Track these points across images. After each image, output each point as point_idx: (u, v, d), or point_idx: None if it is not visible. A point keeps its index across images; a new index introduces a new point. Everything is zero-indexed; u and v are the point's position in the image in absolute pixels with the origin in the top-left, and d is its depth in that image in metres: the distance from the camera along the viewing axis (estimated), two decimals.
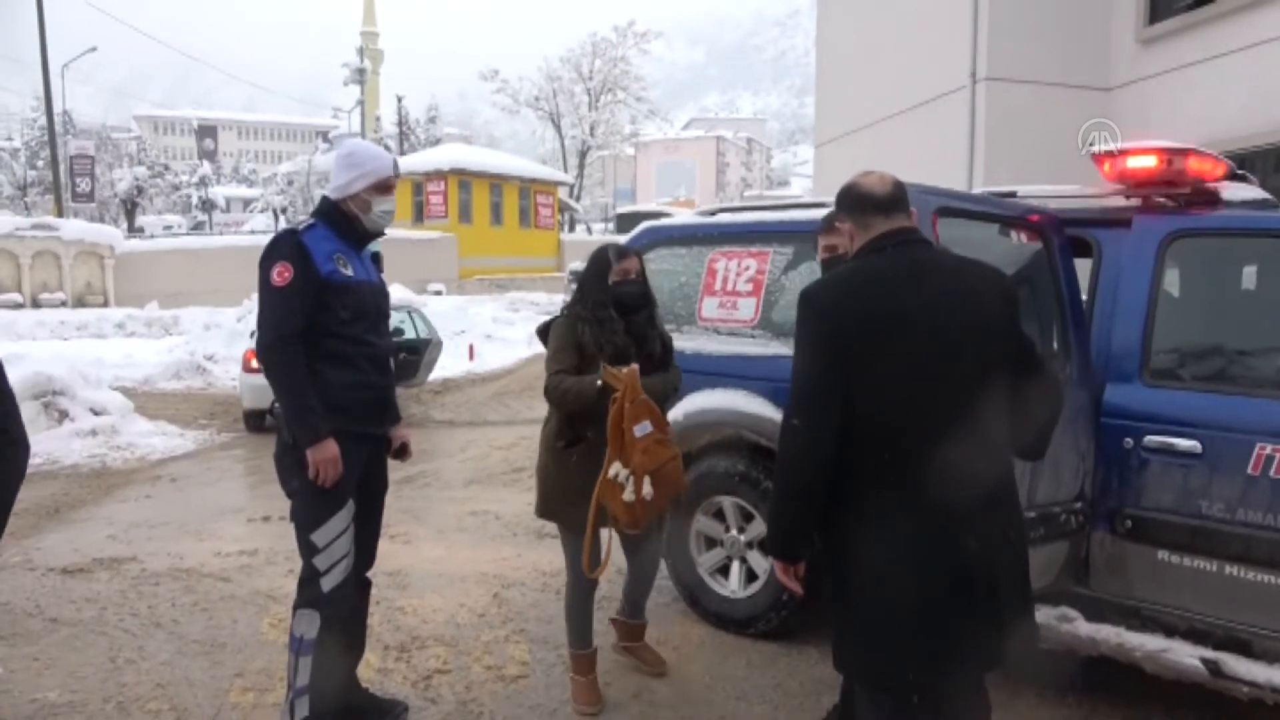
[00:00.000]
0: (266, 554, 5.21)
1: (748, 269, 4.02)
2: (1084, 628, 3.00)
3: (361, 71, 41.95)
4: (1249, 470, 2.72)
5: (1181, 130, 9.64)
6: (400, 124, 51.69)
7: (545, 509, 3.25)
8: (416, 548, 5.40)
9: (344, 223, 3.03)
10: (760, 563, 3.90)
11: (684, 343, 4.03)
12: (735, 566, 3.99)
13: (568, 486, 3.12)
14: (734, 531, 3.97)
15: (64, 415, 8.75)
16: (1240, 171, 3.38)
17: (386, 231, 3.19)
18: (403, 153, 45.47)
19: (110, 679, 3.58)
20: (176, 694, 3.44)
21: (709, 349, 4.01)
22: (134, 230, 42.39)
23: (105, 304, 22.36)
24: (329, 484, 2.83)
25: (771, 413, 3.65)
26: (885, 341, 1.98)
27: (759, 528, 3.86)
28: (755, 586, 3.91)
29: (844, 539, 2.06)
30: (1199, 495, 2.82)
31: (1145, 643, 2.93)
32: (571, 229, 42.60)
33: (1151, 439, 2.90)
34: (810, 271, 4.01)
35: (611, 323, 3.09)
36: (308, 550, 2.92)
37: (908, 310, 2.00)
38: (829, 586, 2.12)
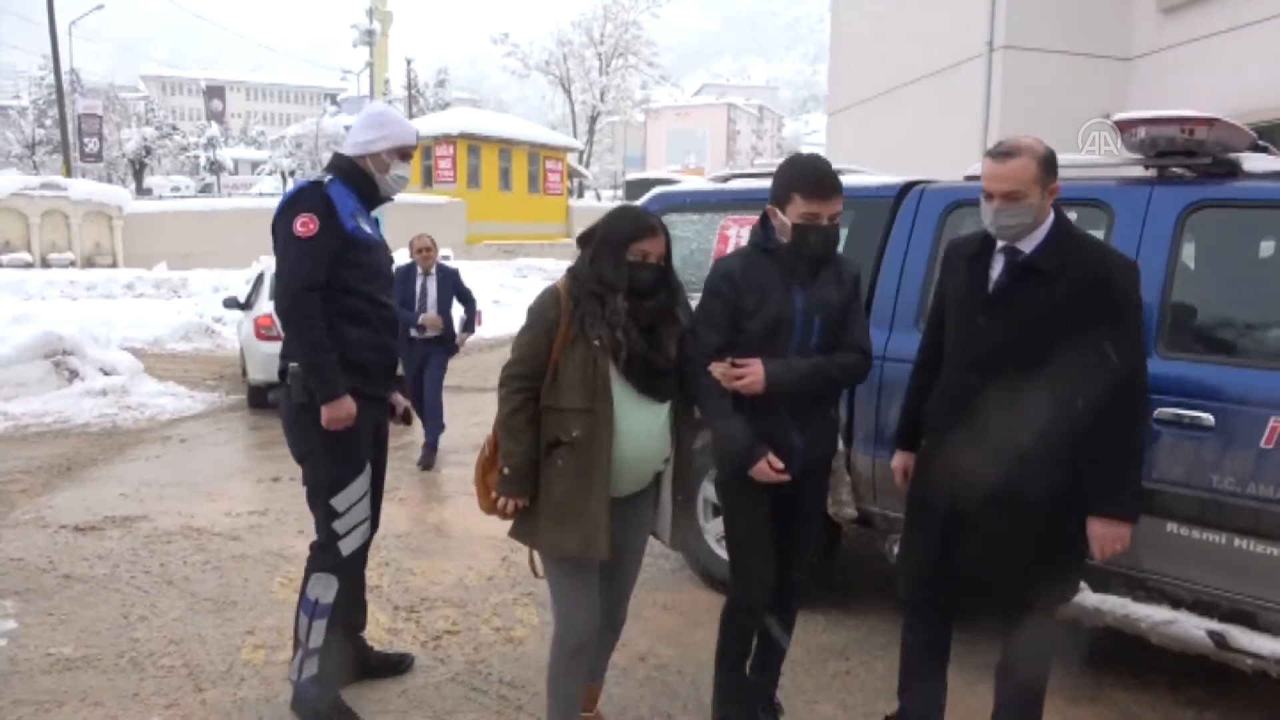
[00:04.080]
0: (276, 514, 5.24)
1: None
2: (1090, 598, 2.99)
3: (370, 33, 41.55)
4: (1262, 444, 2.70)
5: (1201, 101, 9.48)
6: (409, 87, 51.26)
7: (518, 528, 2.62)
8: (425, 511, 5.43)
9: (361, 181, 3.01)
10: None
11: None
12: None
13: (549, 501, 2.50)
14: None
15: (74, 375, 8.80)
16: (1262, 143, 3.30)
17: (394, 196, 3.20)
18: (411, 116, 45.13)
19: (123, 635, 3.63)
20: (188, 650, 3.49)
21: None
22: (142, 191, 42.32)
23: (114, 265, 22.38)
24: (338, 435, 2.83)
25: None
26: None
27: None
28: None
29: None
30: (1210, 468, 2.79)
31: (1151, 614, 2.93)
32: (580, 195, 42.37)
33: (1164, 411, 2.86)
34: None
35: (614, 307, 2.46)
36: (327, 514, 2.91)
37: None
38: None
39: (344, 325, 2.87)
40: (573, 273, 2.57)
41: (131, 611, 3.86)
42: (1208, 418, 2.79)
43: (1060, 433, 2.32)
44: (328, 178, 2.94)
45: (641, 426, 2.51)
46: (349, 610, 3.21)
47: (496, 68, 50.31)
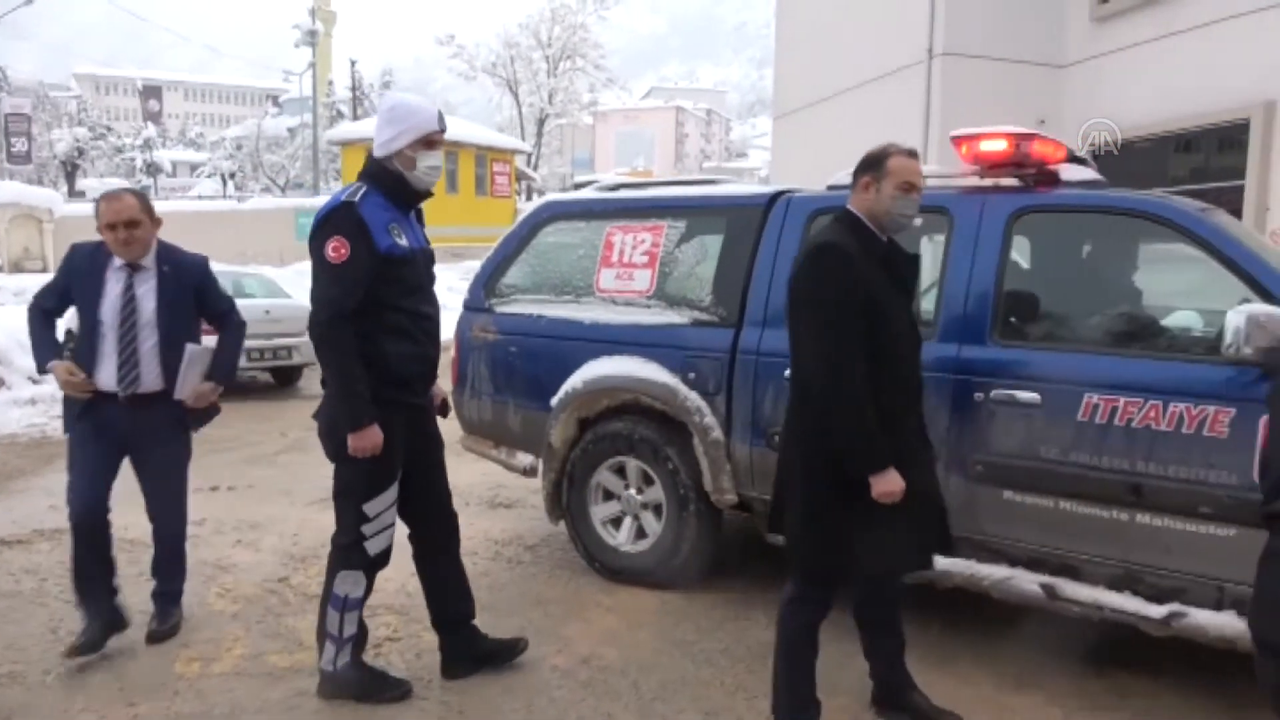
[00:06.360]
0: (214, 524, 5.13)
1: (643, 242, 4.20)
2: (940, 562, 3.17)
3: (313, 33, 40.81)
4: (1079, 417, 3.03)
5: (1132, 109, 9.82)
6: (354, 89, 50.56)
7: None
8: None
9: (395, 184, 2.98)
10: (652, 524, 4.13)
11: (582, 313, 4.25)
12: (628, 521, 4.21)
13: None
14: (632, 490, 4.15)
15: (1, 384, 8.52)
16: (1080, 155, 3.69)
17: (431, 189, 3.17)
18: (356, 118, 44.60)
19: (50, 650, 3.51)
20: (120, 665, 3.39)
21: (606, 319, 4.18)
22: (75, 194, 41.07)
23: (44, 270, 21.64)
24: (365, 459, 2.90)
25: (666, 378, 3.87)
26: None
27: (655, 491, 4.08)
28: (646, 543, 4.15)
29: None
30: (1038, 440, 3.13)
31: (993, 573, 3.25)
32: (529, 198, 42.21)
33: (999, 392, 3.18)
34: (701, 245, 4.17)
35: None
36: (356, 518, 2.98)
37: None
38: None
39: (388, 341, 2.91)
40: None
41: (60, 626, 3.74)
42: (1035, 396, 3.13)
43: None
44: (362, 190, 2.91)
45: None
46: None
47: (443, 69, 49.83)
